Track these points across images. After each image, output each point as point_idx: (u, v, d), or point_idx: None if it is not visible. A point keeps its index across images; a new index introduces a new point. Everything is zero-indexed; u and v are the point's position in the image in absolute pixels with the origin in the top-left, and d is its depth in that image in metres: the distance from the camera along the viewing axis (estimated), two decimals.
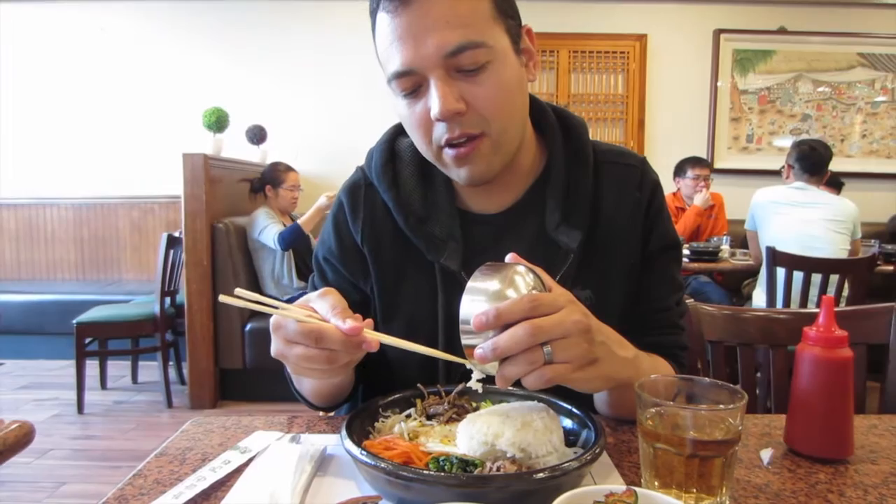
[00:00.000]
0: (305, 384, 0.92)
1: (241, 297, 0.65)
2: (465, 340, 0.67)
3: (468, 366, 0.70)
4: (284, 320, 0.68)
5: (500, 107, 0.83)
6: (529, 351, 0.64)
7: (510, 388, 0.83)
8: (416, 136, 0.87)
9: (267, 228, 3.58)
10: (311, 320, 0.68)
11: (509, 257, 0.72)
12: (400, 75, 0.81)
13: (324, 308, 0.69)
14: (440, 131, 0.83)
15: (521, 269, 0.69)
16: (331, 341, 0.67)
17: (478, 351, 0.64)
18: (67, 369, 3.99)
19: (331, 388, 0.91)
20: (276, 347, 0.70)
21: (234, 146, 4.24)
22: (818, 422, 0.77)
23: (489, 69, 0.80)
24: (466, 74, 0.80)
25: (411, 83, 0.81)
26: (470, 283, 0.68)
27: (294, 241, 3.57)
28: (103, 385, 3.95)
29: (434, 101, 0.79)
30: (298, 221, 3.58)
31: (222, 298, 0.66)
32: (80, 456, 3.00)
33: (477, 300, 0.66)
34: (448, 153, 0.85)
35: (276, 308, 0.67)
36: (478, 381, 0.71)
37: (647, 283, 0.97)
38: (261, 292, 3.82)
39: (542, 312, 0.65)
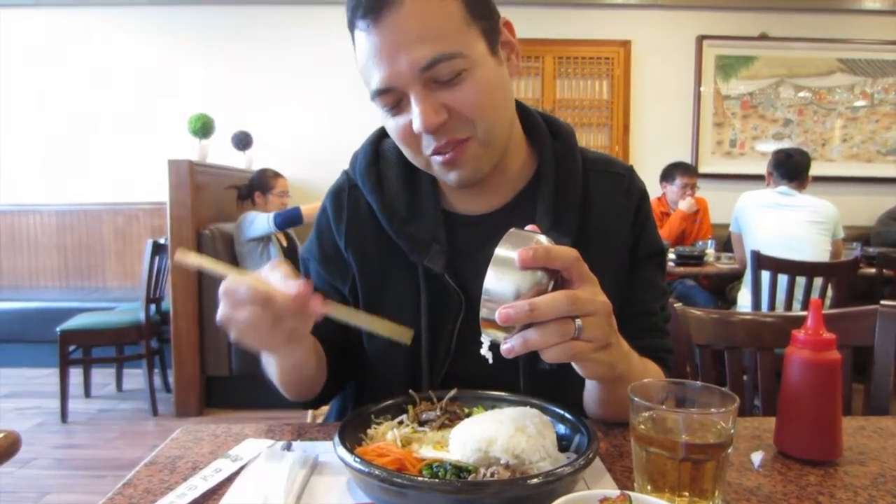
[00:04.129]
0: (271, 371, 0.90)
1: (199, 259, 0.69)
2: (485, 313, 0.64)
3: (483, 337, 0.67)
4: (235, 284, 0.67)
5: (482, 108, 0.83)
6: (562, 322, 0.63)
7: (502, 393, 0.84)
8: (404, 148, 0.88)
9: (258, 217, 3.56)
10: (262, 285, 0.68)
11: (530, 227, 0.71)
12: (380, 93, 0.82)
13: (275, 277, 0.70)
14: (427, 142, 0.84)
15: (543, 239, 0.67)
16: (277, 304, 0.67)
17: (506, 310, 0.61)
18: (51, 377, 3.95)
19: (291, 371, 0.88)
20: (222, 312, 0.69)
21: (219, 152, 4.21)
22: (807, 424, 0.78)
23: (467, 76, 0.81)
24: (445, 84, 0.80)
25: (393, 99, 0.82)
26: (497, 252, 0.65)
27: (289, 220, 3.53)
28: (87, 393, 3.90)
29: (415, 116, 0.80)
30: (301, 208, 3.56)
31: (178, 254, 0.70)
32: (63, 465, 2.96)
33: (504, 275, 0.64)
34: (436, 160, 0.86)
35: (228, 273, 0.69)
36: (489, 349, 0.69)
37: (634, 288, 0.98)
38: None
39: (578, 311, 0.64)
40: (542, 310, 0.62)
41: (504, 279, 0.64)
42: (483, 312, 0.64)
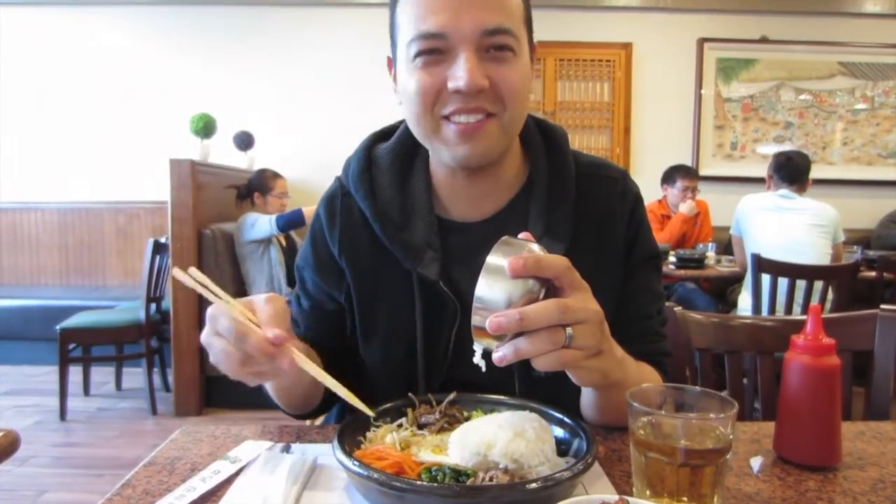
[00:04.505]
0: (266, 388, 0.90)
1: (193, 278, 0.68)
2: (477, 321, 0.65)
3: (475, 346, 0.68)
4: (220, 313, 0.67)
5: (516, 93, 0.84)
6: (553, 330, 0.64)
7: (501, 397, 0.84)
8: (417, 105, 0.85)
9: (259, 219, 3.57)
10: (244, 320, 0.67)
11: (523, 235, 0.71)
12: (429, 37, 0.81)
13: (264, 313, 0.68)
14: (452, 102, 0.83)
15: (535, 248, 0.68)
16: (250, 346, 0.65)
17: (496, 319, 0.62)
18: (50, 375, 3.95)
19: (281, 393, 0.90)
20: (204, 335, 0.69)
21: (221, 152, 4.22)
22: (807, 430, 0.78)
23: (514, 59, 0.83)
24: (494, 56, 0.82)
25: (434, 46, 0.81)
26: (489, 260, 0.65)
27: (291, 222, 3.54)
28: (86, 392, 3.90)
29: (462, 72, 0.79)
30: (303, 209, 3.57)
31: (175, 272, 0.69)
32: (61, 464, 2.96)
33: (495, 283, 0.64)
34: (451, 127, 0.84)
35: (220, 298, 0.68)
36: (482, 357, 0.69)
37: (630, 292, 0.98)
38: None
39: (569, 319, 0.64)
40: (532, 319, 0.62)
41: (495, 287, 0.64)
42: (475, 320, 0.65)
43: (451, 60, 0.81)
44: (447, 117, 0.84)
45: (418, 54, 0.82)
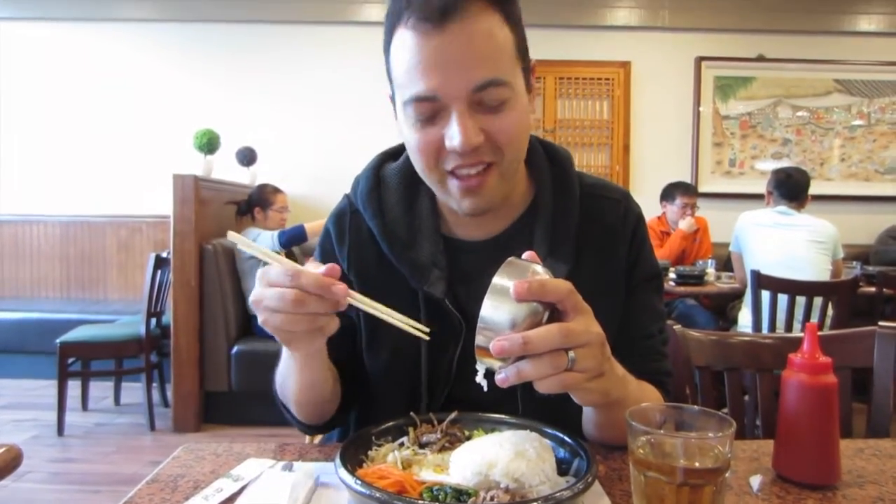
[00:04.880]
0: (289, 390, 0.91)
1: (245, 243, 0.72)
2: (481, 341, 0.66)
3: (478, 365, 0.69)
4: (270, 267, 0.70)
5: (514, 140, 0.85)
6: (556, 354, 0.65)
7: (503, 416, 0.85)
8: (420, 161, 0.87)
9: (261, 235, 3.59)
10: (295, 264, 0.70)
11: (527, 255, 0.72)
12: (422, 100, 0.81)
13: (310, 267, 0.71)
14: (451, 159, 0.84)
15: (539, 269, 0.69)
16: (305, 280, 0.67)
17: (500, 343, 0.63)
18: (48, 389, 3.93)
19: (309, 390, 0.89)
20: (254, 292, 0.71)
21: (223, 167, 4.24)
22: (805, 448, 0.78)
23: (509, 106, 0.83)
24: (488, 109, 0.82)
25: (430, 109, 0.82)
26: (494, 282, 0.67)
27: (293, 238, 3.56)
28: (84, 406, 3.89)
29: (456, 133, 0.80)
30: (305, 225, 3.58)
31: (231, 235, 0.74)
32: (58, 479, 2.94)
33: (500, 305, 0.65)
34: (455, 183, 0.86)
35: (271, 258, 0.71)
36: (484, 377, 0.70)
37: (631, 312, 0.98)
38: (249, 314, 3.77)
39: (572, 343, 0.65)
40: (535, 343, 0.63)
41: (500, 309, 0.65)
42: (479, 340, 0.66)
43: (447, 118, 0.81)
44: (450, 171, 0.86)
45: (414, 113, 0.83)
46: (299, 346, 0.76)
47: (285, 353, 0.86)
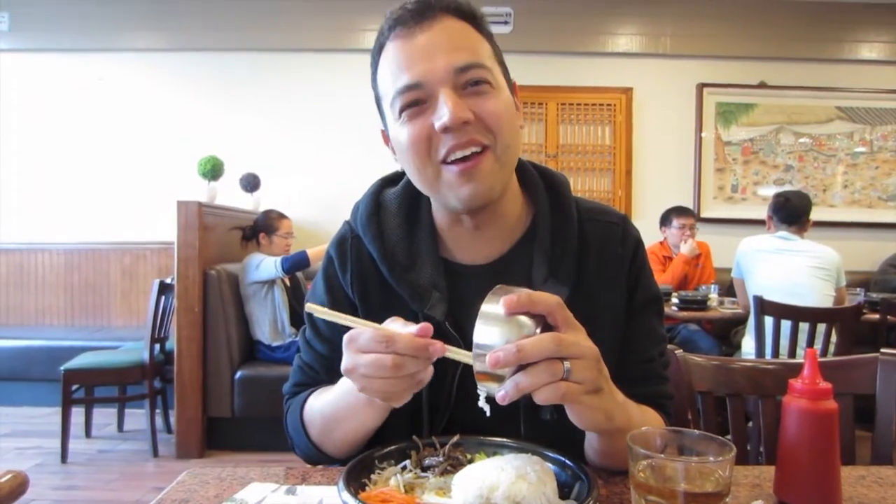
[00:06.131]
0: (337, 433, 0.91)
1: (328, 314, 0.76)
2: (478, 367, 0.67)
3: (479, 390, 0.70)
4: (359, 331, 0.72)
5: (503, 121, 0.87)
6: (551, 362, 0.66)
7: (504, 440, 0.85)
8: (413, 156, 0.88)
9: (265, 261, 3.61)
10: (385, 328, 0.72)
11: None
12: (407, 89, 0.85)
13: (395, 325, 0.73)
14: (444, 143, 0.85)
15: (525, 290, 0.70)
16: (401, 345, 0.69)
17: (495, 355, 0.64)
18: (52, 417, 3.93)
19: (365, 432, 0.90)
20: (346, 361, 0.73)
21: (227, 193, 4.28)
22: (806, 474, 0.79)
23: (492, 91, 0.87)
24: (472, 90, 0.85)
25: (416, 97, 0.85)
26: (483, 308, 0.69)
27: (296, 264, 3.58)
28: (88, 433, 3.87)
29: (444, 110, 0.83)
30: (308, 251, 3.60)
31: (309, 307, 0.78)
32: None
33: (492, 328, 0.67)
34: (451, 169, 0.87)
35: (353, 324, 0.73)
36: (486, 401, 0.72)
37: (632, 336, 0.99)
38: (252, 340, 3.79)
39: (565, 352, 0.67)
40: (528, 350, 0.65)
41: (492, 332, 0.67)
42: (477, 366, 0.67)
43: (434, 104, 0.85)
44: (444, 161, 0.86)
45: (402, 109, 0.86)
46: (400, 401, 0.77)
47: (346, 402, 0.86)
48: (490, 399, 0.70)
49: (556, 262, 0.95)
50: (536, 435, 0.90)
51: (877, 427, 1.23)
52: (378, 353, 0.70)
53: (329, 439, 0.94)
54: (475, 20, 0.89)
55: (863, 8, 5.06)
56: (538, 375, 0.66)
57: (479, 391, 0.70)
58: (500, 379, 0.66)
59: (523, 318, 0.68)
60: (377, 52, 0.91)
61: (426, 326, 0.70)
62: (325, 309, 0.76)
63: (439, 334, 0.93)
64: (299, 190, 4.98)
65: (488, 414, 0.72)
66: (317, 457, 0.97)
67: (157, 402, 3.78)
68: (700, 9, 5.07)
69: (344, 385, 0.86)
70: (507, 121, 0.88)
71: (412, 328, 0.71)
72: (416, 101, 0.85)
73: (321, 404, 0.93)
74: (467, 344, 0.92)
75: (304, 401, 0.98)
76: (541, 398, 0.66)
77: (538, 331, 0.68)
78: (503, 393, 0.66)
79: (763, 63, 5.11)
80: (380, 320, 0.98)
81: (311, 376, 1.03)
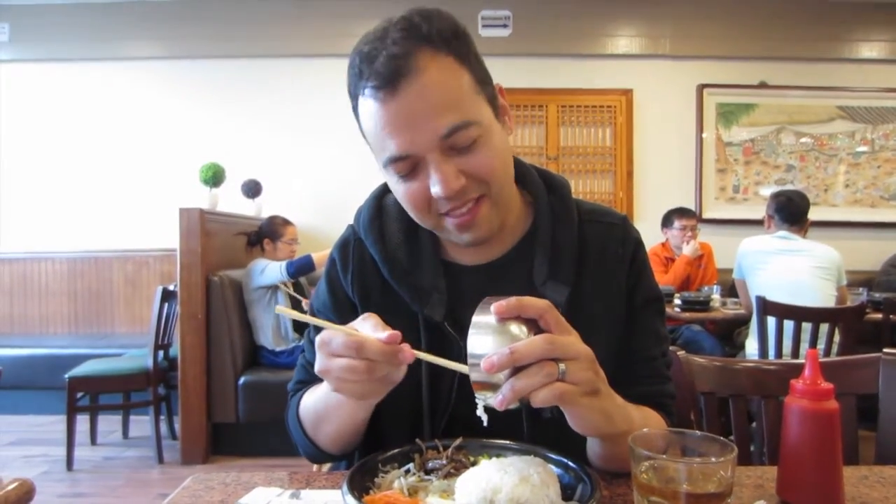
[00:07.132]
0: (326, 427, 0.94)
1: (295, 315, 0.77)
2: (475, 376, 0.68)
3: (477, 399, 0.71)
4: (331, 335, 0.73)
5: (495, 171, 0.87)
6: (546, 363, 0.66)
7: (507, 442, 0.86)
8: (413, 211, 0.90)
9: (270, 265, 3.61)
10: (356, 332, 0.72)
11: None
12: (396, 160, 0.84)
13: (366, 327, 0.74)
14: (442, 205, 0.87)
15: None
16: (371, 351, 0.70)
17: (489, 360, 0.65)
18: (57, 424, 3.93)
19: (354, 426, 0.92)
20: (319, 363, 0.74)
21: (228, 200, 4.29)
22: (808, 474, 0.79)
23: (481, 142, 0.85)
24: (461, 151, 0.84)
25: (408, 166, 0.85)
26: (474, 319, 0.69)
27: (302, 268, 3.58)
28: (93, 440, 3.88)
29: (436, 182, 0.83)
30: (313, 256, 3.61)
31: (279, 309, 0.77)
32: None
33: (484, 337, 0.68)
34: (451, 221, 0.89)
35: (325, 326, 0.74)
36: (484, 408, 0.72)
37: (633, 335, 1.00)
38: (256, 345, 3.80)
39: (558, 352, 0.67)
40: (521, 352, 0.65)
41: (485, 340, 0.68)
42: (472, 376, 0.68)
43: (426, 168, 0.84)
44: (444, 213, 0.89)
45: (395, 173, 0.87)
46: (373, 399, 0.79)
47: (332, 398, 0.88)
48: (488, 409, 0.71)
49: (556, 262, 0.96)
50: (539, 434, 0.90)
51: (880, 427, 1.23)
52: (350, 357, 0.71)
53: (321, 433, 0.96)
54: (450, 45, 0.83)
55: (863, 7, 5.06)
56: (533, 377, 0.66)
57: (476, 401, 0.71)
58: (496, 387, 0.67)
59: (515, 325, 0.68)
60: (354, 95, 0.87)
61: (395, 334, 0.71)
62: (294, 311, 0.77)
63: (439, 334, 0.94)
64: (300, 195, 4.99)
65: (486, 423, 0.73)
66: (314, 452, 0.99)
67: (162, 409, 3.79)
68: (700, 10, 5.08)
69: None
70: (499, 167, 0.88)
71: (381, 335, 0.71)
72: (408, 167, 0.85)
73: (313, 400, 0.96)
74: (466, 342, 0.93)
75: (301, 398, 1.00)
76: (538, 400, 0.67)
77: (531, 336, 0.68)
78: (500, 398, 0.67)
79: (763, 63, 5.11)
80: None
81: (313, 374, 1.04)
